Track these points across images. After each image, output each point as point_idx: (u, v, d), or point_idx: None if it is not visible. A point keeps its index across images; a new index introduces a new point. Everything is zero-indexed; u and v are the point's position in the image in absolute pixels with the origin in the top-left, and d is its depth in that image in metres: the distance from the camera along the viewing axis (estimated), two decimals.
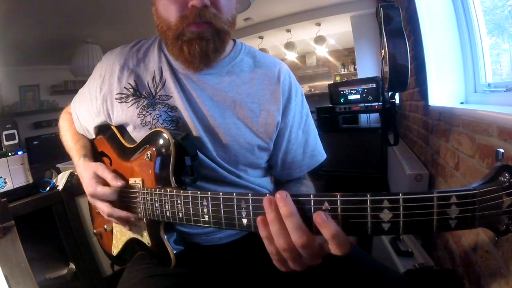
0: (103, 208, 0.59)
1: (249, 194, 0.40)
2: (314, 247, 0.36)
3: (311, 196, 0.36)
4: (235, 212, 0.42)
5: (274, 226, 0.37)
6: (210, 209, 0.45)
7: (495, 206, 0.30)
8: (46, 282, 1.45)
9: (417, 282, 0.55)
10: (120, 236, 0.66)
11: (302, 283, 0.57)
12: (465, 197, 0.30)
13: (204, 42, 0.54)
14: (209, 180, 0.61)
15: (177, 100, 0.60)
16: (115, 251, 0.69)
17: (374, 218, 0.33)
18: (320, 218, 0.34)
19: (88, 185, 0.60)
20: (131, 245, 0.65)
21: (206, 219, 0.46)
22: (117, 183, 0.58)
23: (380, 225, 0.33)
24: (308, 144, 0.69)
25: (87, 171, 0.61)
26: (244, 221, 0.41)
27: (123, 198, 0.61)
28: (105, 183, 0.60)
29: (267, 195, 0.39)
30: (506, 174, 0.30)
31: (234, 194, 0.42)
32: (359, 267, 0.57)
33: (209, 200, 0.45)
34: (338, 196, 0.35)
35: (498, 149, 0.32)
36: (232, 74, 0.63)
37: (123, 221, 0.60)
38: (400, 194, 0.32)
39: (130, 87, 0.62)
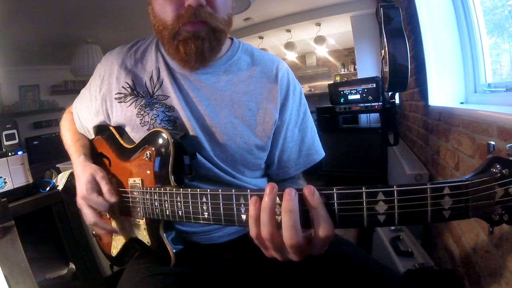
0: (89, 216, 0.59)
1: (248, 190, 0.41)
2: (302, 247, 0.37)
3: None
4: (234, 208, 0.42)
5: (265, 215, 0.38)
6: (210, 206, 0.45)
7: (488, 196, 0.31)
8: (46, 282, 1.45)
9: (417, 283, 0.55)
10: (120, 236, 0.66)
11: (302, 282, 0.57)
12: (458, 188, 0.31)
13: (200, 41, 0.54)
14: (206, 180, 0.61)
15: (174, 100, 0.60)
16: (114, 251, 0.69)
17: (369, 210, 0.34)
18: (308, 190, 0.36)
19: (83, 188, 0.59)
20: (131, 245, 0.65)
21: (206, 216, 0.46)
22: (111, 198, 0.58)
23: (376, 217, 0.34)
24: (304, 143, 0.69)
25: (84, 172, 0.61)
26: (243, 217, 0.42)
27: (121, 198, 0.62)
28: (100, 191, 0.60)
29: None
30: (498, 165, 0.31)
31: (233, 190, 0.43)
32: (359, 267, 0.57)
33: (209, 198, 0.45)
34: (334, 189, 0.36)
35: (489, 142, 0.33)
36: (229, 73, 0.63)
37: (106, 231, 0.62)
38: (395, 187, 0.33)
39: (128, 86, 0.62)
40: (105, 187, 0.59)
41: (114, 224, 0.68)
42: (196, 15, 0.52)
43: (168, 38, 0.55)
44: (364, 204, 0.34)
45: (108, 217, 0.66)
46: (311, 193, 0.36)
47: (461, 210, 0.32)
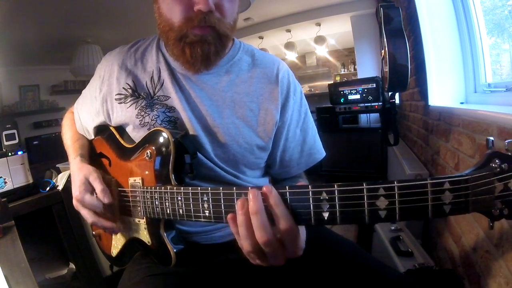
0: (87, 216, 0.59)
1: (249, 188, 0.41)
2: (275, 244, 0.39)
3: (309, 187, 0.37)
4: (236, 206, 0.42)
5: (241, 228, 0.39)
6: (211, 204, 0.45)
7: (488, 191, 0.31)
8: (46, 282, 1.45)
9: (417, 281, 0.55)
10: (120, 236, 0.66)
11: (302, 282, 0.57)
12: (458, 183, 0.32)
13: (206, 45, 0.54)
14: (207, 180, 0.61)
15: (175, 100, 0.60)
16: (114, 251, 0.69)
17: (370, 206, 0.34)
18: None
19: (77, 189, 0.59)
20: (131, 245, 0.65)
21: (207, 214, 0.46)
22: (104, 199, 0.58)
23: (377, 212, 0.34)
24: (306, 143, 0.69)
25: (79, 174, 0.61)
26: None
27: (121, 198, 0.62)
28: (94, 192, 0.59)
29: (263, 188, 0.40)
30: (497, 160, 0.31)
31: (234, 188, 0.43)
32: (360, 265, 0.57)
33: (210, 196, 0.45)
34: (335, 186, 0.36)
35: (488, 138, 0.33)
36: (230, 73, 0.63)
37: (108, 230, 0.62)
38: (395, 182, 0.33)
39: (129, 87, 0.62)
40: (98, 187, 0.58)
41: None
42: (206, 20, 0.52)
43: (174, 40, 0.55)
44: (365, 199, 0.34)
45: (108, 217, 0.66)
46: (269, 191, 0.38)
47: (461, 205, 0.32)
